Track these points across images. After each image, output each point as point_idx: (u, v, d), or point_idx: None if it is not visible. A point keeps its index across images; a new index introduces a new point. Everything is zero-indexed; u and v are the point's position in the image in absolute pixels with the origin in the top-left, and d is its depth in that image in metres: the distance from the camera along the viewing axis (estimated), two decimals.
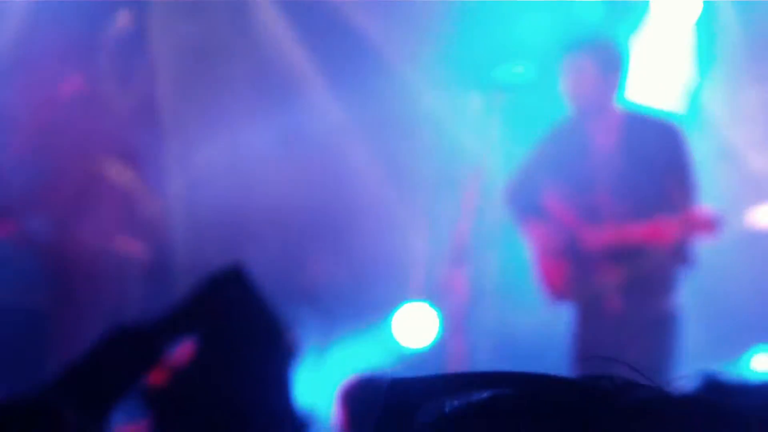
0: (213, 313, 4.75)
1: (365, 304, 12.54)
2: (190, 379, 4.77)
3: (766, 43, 13.56)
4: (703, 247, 9.67)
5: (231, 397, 4.72)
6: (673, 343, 9.52)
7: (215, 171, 13.39)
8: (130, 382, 4.63)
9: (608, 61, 9.71)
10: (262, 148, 13.11)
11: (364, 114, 13.54)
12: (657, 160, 9.54)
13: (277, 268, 12.23)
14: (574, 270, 9.78)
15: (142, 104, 13.20)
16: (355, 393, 7.30)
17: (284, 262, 12.78)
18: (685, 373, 8.78)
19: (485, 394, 1.29)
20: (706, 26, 13.33)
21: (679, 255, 9.58)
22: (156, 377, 4.76)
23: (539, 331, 10.50)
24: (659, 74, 11.22)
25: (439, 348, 11.89)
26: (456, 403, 1.29)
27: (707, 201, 9.71)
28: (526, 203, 9.97)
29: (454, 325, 10.34)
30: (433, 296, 12.11)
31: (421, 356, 12.10)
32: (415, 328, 12.37)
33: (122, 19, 12.76)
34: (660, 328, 9.52)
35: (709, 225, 9.43)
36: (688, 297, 9.83)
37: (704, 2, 13.18)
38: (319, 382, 10.02)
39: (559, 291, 9.95)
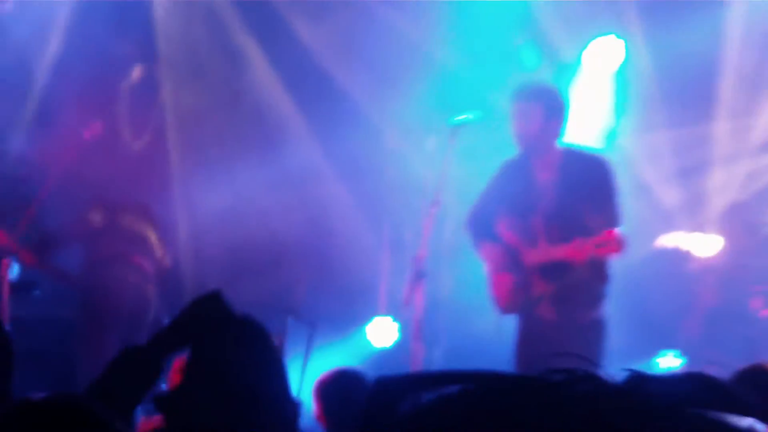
0: (197, 328, 4.70)
1: (344, 315, 12.46)
2: (191, 380, 4.66)
3: (676, 91, 13.37)
4: (621, 264, 9.43)
5: (226, 392, 4.61)
6: (600, 345, 9.39)
7: (216, 209, 13.27)
8: (142, 389, 4.61)
9: (552, 108, 9.58)
10: (255, 189, 13.03)
11: (339, 156, 13.53)
12: (587, 189, 9.46)
13: (269, 288, 12.44)
14: (517, 284, 9.59)
15: (154, 148, 13.04)
16: (329, 383, 7.27)
17: (275, 283, 12.73)
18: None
19: (455, 389, 1.25)
20: (624, 77, 13.32)
21: (595, 271, 9.37)
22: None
23: (485, 336, 10.40)
24: (586, 118, 11.02)
25: (401, 350, 11.77)
26: (431, 396, 1.26)
27: (624, 227, 9.53)
28: (481, 229, 9.87)
29: (413, 331, 10.14)
30: (396, 308, 12.01)
31: (386, 356, 12.11)
32: (381, 334, 12.58)
33: (136, 74, 12.58)
34: (587, 333, 9.41)
35: (617, 246, 9.17)
36: (611, 307, 9.50)
37: (624, 56, 13.24)
38: (304, 380, 10.07)
39: (504, 301, 9.78)
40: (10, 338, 5.12)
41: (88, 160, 11.62)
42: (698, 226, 12.81)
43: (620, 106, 13.21)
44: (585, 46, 13.12)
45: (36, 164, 12.23)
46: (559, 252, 9.25)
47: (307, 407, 7.11)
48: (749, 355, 9.90)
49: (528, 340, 9.53)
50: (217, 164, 13.43)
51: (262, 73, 13.80)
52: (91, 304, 11.28)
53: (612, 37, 13.10)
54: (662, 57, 13.27)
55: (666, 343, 12.59)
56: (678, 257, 12.44)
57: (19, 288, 11.47)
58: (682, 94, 13.40)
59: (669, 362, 12.28)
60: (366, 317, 12.69)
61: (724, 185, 13.73)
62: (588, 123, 12.25)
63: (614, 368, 1.53)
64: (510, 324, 9.84)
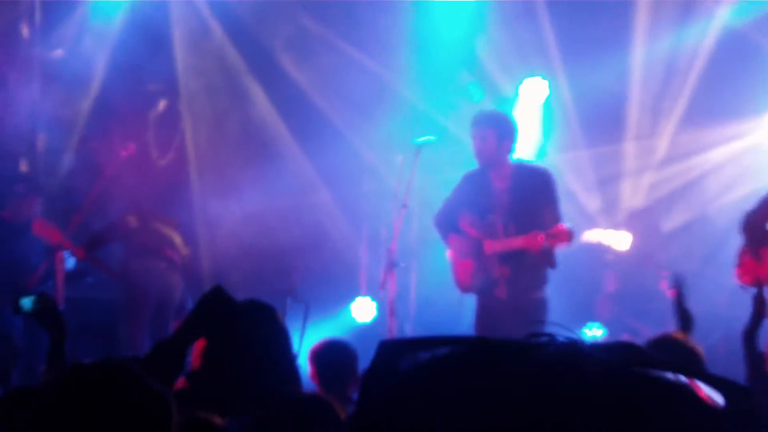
0: (207, 319, 4.65)
1: (331, 297, 12.33)
2: (210, 360, 4.71)
3: (593, 118, 13.43)
4: (559, 254, 9.38)
5: (240, 363, 4.64)
6: (543, 320, 9.30)
7: (227, 214, 13.30)
8: (174, 374, 4.52)
9: (504, 132, 9.52)
10: (258, 198, 12.97)
11: (325, 170, 13.53)
12: (535, 194, 9.41)
13: (271, 276, 12.41)
14: (477, 268, 9.49)
15: (176, 165, 13.07)
16: (321, 351, 7.09)
17: (276, 272, 12.62)
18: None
19: (447, 349, 1.24)
20: (549, 106, 13.32)
21: (544, 258, 9.30)
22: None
23: (447, 312, 10.37)
24: (522, 139, 10.98)
25: (378, 324, 11.76)
26: (427, 355, 1.25)
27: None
28: (448, 224, 9.73)
29: (388, 309, 10.13)
30: (374, 291, 11.83)
31: (366, 330, 11.91)
32: (362, 312, 12.48)
33: (161, 107, 12.54)
34: (534, 310, 9.26)
35: (567, 236, 9.12)
36: (550, 288, 9.49)
37: (549, 90, 13.23)
38: (301, 349, 10.03)
39: (465, 283, 9.66)
40: (63, 316, 5.06)
41: (124, 175, 11.60)
42: (613, 225, 12.80)
43: (548, 130, 13.20)
44: (520, 83, 13.14)
45: (83, 177, 12.25)
46: (518, 242, 9.18)
47: (303, 370, 7.10)
48: (659, 327, 9.92)
49: (485, 314, 9.43)
50: (227, 178, 13.43)
51: (262, 105, 13.81)
52: (129, 288, 11.24)
53: (539, 77, 13.17)
54: (580, 91, 13.34)
55: (590, 317, 12.56)
56: (599, 249, 12.45)
57: (73, 276, 11.55)
58: (597, 120, 13.45)
59: (593, 333, 12.24)
60: (350, 298, 12.62)
61: (632, 193, 13.75)
62: (523, 143, 12.14)
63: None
64: (469, 301, 9.76)
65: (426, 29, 13.61)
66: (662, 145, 13.69)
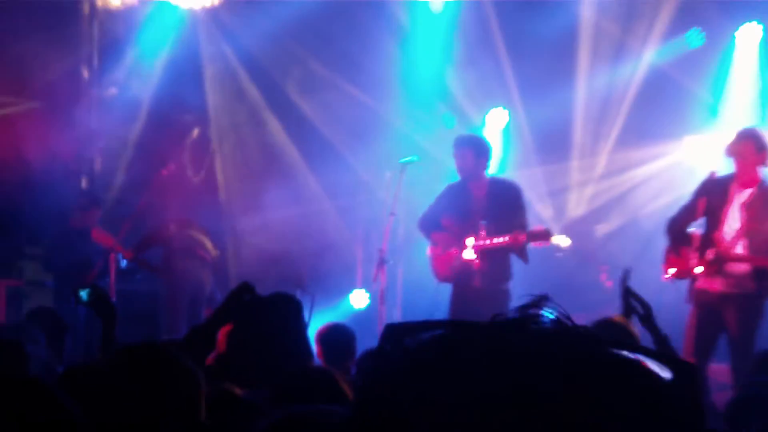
0: (235, 308, 4.75)
1: (332, 289, 12.14)
2: (235, 342, 4.76)
3: (545, 141, 13.41)
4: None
5: (263, 342, 4.69)
6: (508, 307, 9.20)
7: (249, 222, 13.31)
8: (205, 352, 4.63)
9: (480, 151, 9.49)
10: (274, 208, 12.89)
11: (328, 184, 13.43)
12: (507, 203, 9.40)
13: (284, 273, 12.19)
14: (456, 261, 9.44)
15: (207, 182, 12.92)
16: (327, 334, 7.13)
17: (288, 268, 12.47)
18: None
19: (445, 329, 1.21)
20: (509, 131, 13.31)
21: (522, 254, 9.31)
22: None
23: (426, 300, 10.32)
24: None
25: (371, 311, 11.53)
26: (428, 335, 1.21)
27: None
28: (431, 224, 9.69)
29: (379, 299, 10.15)
30: (368, 284, 11.76)
31: (362, 315, 11.82)
32: (358, 301, 12.41)
33: (195, 133, 12.53)
34: (501, 298, 9.22)
35: (546, 236, 9.27)
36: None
37: (509, 118, 13.28)
38: (309, 331, 10.00)
39: (444, 274, 9.62)
40: (114, 305, 5.02)
41: (165, 190, 11.51)
42: (562, 230, 12.69)
43: (507, 150, 13.16)
44: (486, 112, 13.11)
45: (132, 192, 12.24)
46: (502, 240, 9.12)
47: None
48: (601, 311, 9.87)
49: (459, 301, 9.36)
50: (248, 192, 13.39)
51: (277, 132, 13.76)
52: (169, 283, 11.22)
53: (501, 107, 13.17)
54: (534, 118, 13.32)
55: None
56: (551, 248, 12.38)
57: (124, 273, 11.57)
58: (548, 142, 13.46)
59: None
60: (348, 289, 12.54)
61: (577, 202, 13.73)
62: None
63: None
64: (444, 290, 9.69)
65: (409, 69, 13.60)
66: (601, 162, 13.68)
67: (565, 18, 13.15)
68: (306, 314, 4.96)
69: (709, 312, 8.34)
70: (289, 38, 13.16)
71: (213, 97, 13.49)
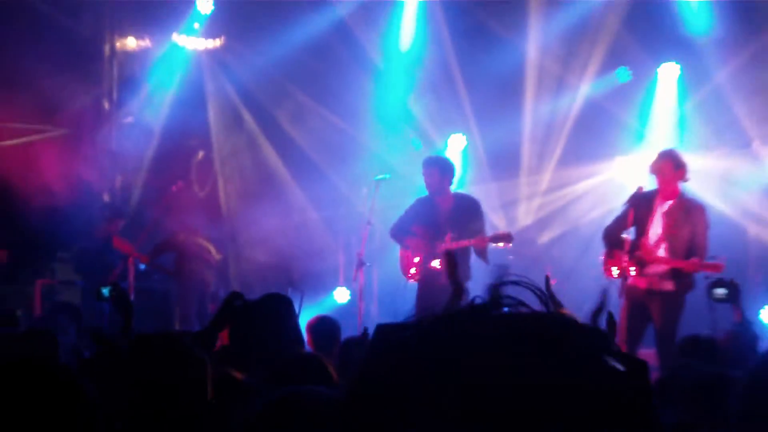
0: (230, 313, 4.77)
1: (318, 287, 12.04)
2: (234, 339, 4.79)
3: (497, 160, 13.43)
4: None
5: (259, 335, 4.73)
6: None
7: (247, 231, 13.18)
8: (210, 348, 4.59)
9: (445, 170, 9.45)
10: (268, 219, 12.75)
11: (314, 198, 13.38)
12: (469, 213, 9.33)
13: (277, 274, 12.14)
14: (425, 261, 9.37)
15: (211, 197, 13.01)
16: (315, 325, 7.07)
17: (281, 270, 12.29)
18: None
19: (428, 320, 1.19)
20: (467, 152, 13.22)
21: (483, 255, 9.29)
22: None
23: (397, 296, 10.29)
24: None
25: (351, 305, 11.44)
26: (414, 329, 1.17)
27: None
28: (402, 232, 9.59)
29: (358, 295, 10.12)
30: (349, 283, 11.76)
31: (344, 309, 11.62)
32: (341, 297, 12.24)
33: (200, 156, 12.53)
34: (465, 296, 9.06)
35: (509, 239, 9.27)
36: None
37: (467, 141, 13.20)
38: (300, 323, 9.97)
39: (412, 275, 9.56)
40: (132, 301, 4.99)
41: (174, 203, 11.48)
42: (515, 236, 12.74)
43: (466, 168, 13.04)
44: (448, 137, 13.10)
45: (147, 206, 12.19)
46: (469, 243, 9.07)
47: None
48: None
49: (427, 296, 9.21)
50: (245, 205, 13.30)
51: (269, 154, 13.69)
52: (180, 282, 11.20)
53: (460, 133, 13.12)
54: (488, 141, 13.30)
55: None
56: (503, 251, 12.29)
57: (142, 274, 11.56)
58: (500, 161, 13.46)
59: None
60: (332, 287, 12.42)
61: (525, 213, 13.72)
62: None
63: None
64: (411, 288, 9.62)
65: (381, 100, 13.59)
66: (545, 179, 13.68)
67: (513, 57, 13.18)
68: (297, 308, 4.98)
69: (638, 305, 8.36)
70: (280, 75, 13.14)
71: (215, 125, 13.44)
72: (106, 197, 12.72)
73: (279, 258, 12.62)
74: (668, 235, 8.33)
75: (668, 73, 13.12)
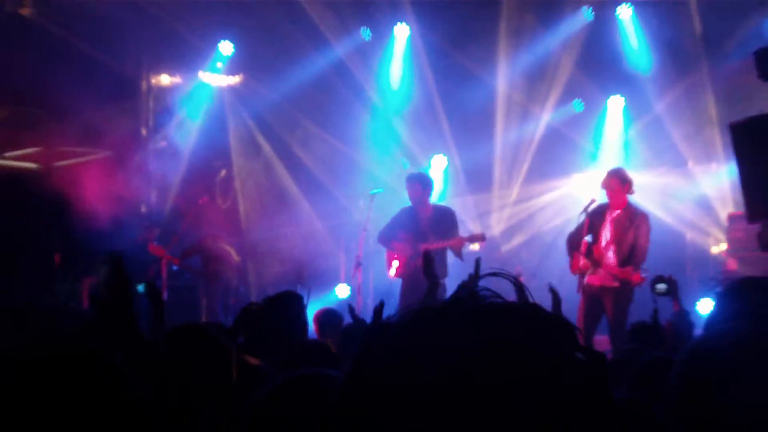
0: (248, 314, 4.68)
1: (323, 284, 11.92)
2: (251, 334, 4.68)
3: (473, 176, 13.39)
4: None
5: (275, 326, 4.68)
6: (444, 296, 9.09)
7: (263, 238, 13.12)
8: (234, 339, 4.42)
9: (425, 185, 9.43)
10: (279, 227, 12.86)
11: (318, 209, 13.28)
12: (445, 221, 9.28)
13: (288, 274, 12.08)
14: (409, 261, 9.30)
15: (232, 209, 12.94)
16: (321, 316, 7.01)
17: (291, 271, 12.20)
18: None
19: (422, 311, 1.08)
20: (447, 170, 13.24)
21: (459, 254, 9.21)
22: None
23: (390, 291, 10.23)
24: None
25: (351, 299, 11.24)
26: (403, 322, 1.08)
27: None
28: (389, 237, 9.54)
29: (357, 290, 10.04)
30: (349, 280, 11.72)
31: (344, 302, 11.33)
32: (342, 292, 12.07)
33: (222, 174, 12.51)
34: (441, 290, 8.91)
35: (483, 238, 9.40)
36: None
37: (447, 161, 13.24)
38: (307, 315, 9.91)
39: (399, 272, 9.51)
40: (162, 297, 4.96)
41: (201, 214, 11.43)
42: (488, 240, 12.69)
43: (446, 184, 13.06)
44: (431, 157, 13.08)
45: (178, 216, 12.09)
46: (448, 243, 9.01)
47: (309, 327, 7.03)
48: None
49: (411, 291, 9.18)
50: (261, 216, 13.23)
51: (282, 173, 13.59)
52: (207, 281, 11.08)
53: (441, 154, 13.14)
54: (466, 160, 13.29)
55: None
56: (476, 252, 12.29)
57: (174, 274, 11.44)
58: (476, 177, 13.45)
59: None
60: (335, 284, 12.27)
61: (497, 221, 13.71)
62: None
63: None
64: (395, 284, 9.59)
65: (376, 127, 13.56)
66: (514, 192, 13.68)
67: (485, 91, 13.19)
68: (305, 301, 4.96)
69: (593, 299, 8.34)
70: (290, 106, 13.11)
71: (235, 149, 13.37)
72: (143, 209, 12.68)
73: (290, 260, 12.57)
74: (616, 239, 8.34)
75: (615, 104, 13.31)
